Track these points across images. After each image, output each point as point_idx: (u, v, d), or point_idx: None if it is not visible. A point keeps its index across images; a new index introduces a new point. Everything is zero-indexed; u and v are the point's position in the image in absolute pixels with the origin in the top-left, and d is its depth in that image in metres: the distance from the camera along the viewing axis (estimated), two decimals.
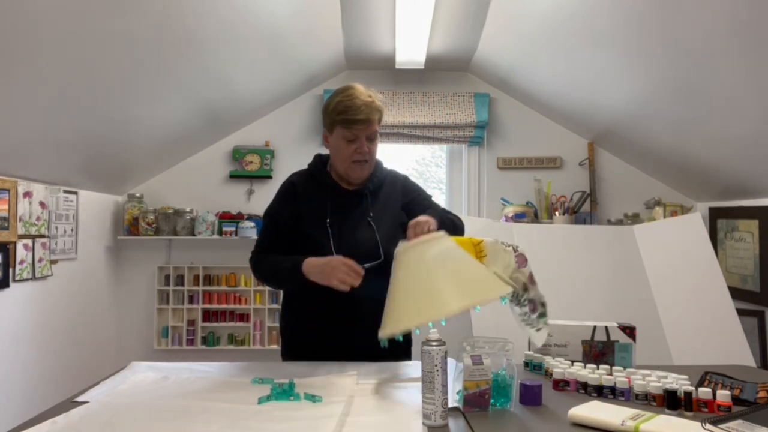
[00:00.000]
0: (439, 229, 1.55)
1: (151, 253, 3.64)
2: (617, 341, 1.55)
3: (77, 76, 2.14)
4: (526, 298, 1.49)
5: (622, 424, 1.06)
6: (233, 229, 3.52)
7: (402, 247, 1.46)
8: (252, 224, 3.51)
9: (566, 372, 1.38)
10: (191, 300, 3.61)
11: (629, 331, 1.56)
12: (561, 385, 1.37)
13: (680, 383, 1.27)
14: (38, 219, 2.74)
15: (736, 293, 2.89)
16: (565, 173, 3.76)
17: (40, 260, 2.75)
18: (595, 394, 1.31)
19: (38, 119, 2.24)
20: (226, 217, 3.59)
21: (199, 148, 3.68)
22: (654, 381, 1.29)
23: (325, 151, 1.79)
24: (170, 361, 1.92)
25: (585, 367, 1.42)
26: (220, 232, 3.54)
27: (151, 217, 3.50)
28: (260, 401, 1.24)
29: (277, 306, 3.58)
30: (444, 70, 3.74)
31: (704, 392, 1.19)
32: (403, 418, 1.15)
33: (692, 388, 1.21)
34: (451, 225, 1.68)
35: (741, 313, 2.48)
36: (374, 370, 1.50)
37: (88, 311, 3.25)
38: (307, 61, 3.35)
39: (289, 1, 2.55)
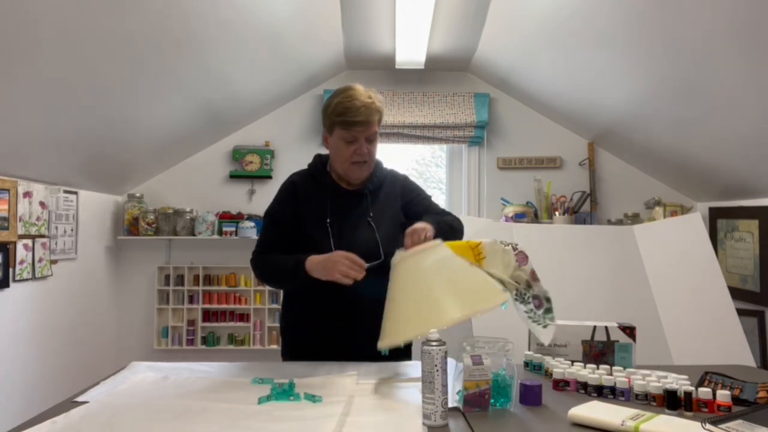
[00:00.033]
0: (437, 234, 1.55)
1: (151, 253, 3.64)
2: (617, 341, 1.55)
3: (77, 76, 2.14)
4: (531, 294, 1.48)
5: (622, 424, 1.06)
6: (233, 229, 3.52)
7: (398, 257, 1.47)
8: (252, 224, 3.51)
9: (566, 372, 1.38)
10: (191, 300, 3.61)
11: (629, 331, 1.56)
12: (561, 385, 1.37)
13: (680, 383, 1.27)
14: (38, 219, 2.74)
15: (736, 293, 2.88)
16: (565, 173, 3.76)
17: (40, 260, 2.75)
18: (595, 394, 1.31)
19: (38, 119, 2.24)
20: (226, 217, 3.59)
21: (199, 148, 3.68)
22: (654, 381, 1.29)
23: (325, 151, 1.79)
24: (170, 361, 1.92)
25: (585, 367, 1.42)
26: (220, 232, 3.54)
27: (151, 217, 3.50)
28: (260, 401, 1.24)
29: (277, 306, 3.58)
30: (444, 70, 3.74)
31: (704, 392, 1.19)
32: (403, 418, 1.15)
33: (692, 388, 1.21)
34: (449, 229, 1.69)
35: (741, 313, 2.48)
36: (374, 370, 1.50)
37: (88, 311, 3.25)
38: (307, 61, 3.35)
39: (289, 1, 2.55)
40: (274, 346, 3.58)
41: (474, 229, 2.67)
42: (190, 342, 3.58)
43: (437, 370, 1.12)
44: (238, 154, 3.66)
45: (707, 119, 2.64)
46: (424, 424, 1.11)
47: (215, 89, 3.01)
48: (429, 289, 1.35)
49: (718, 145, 2.80)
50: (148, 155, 3.34)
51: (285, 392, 1.28)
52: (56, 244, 2.91)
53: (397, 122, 3.61)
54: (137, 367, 1.54)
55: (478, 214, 3.73)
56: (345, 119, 1.62)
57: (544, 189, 3.70)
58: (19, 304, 2.63)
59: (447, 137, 3.69)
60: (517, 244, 1.51)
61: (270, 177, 3.68)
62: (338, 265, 1.51)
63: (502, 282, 1.44)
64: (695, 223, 2.57)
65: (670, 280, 2.53)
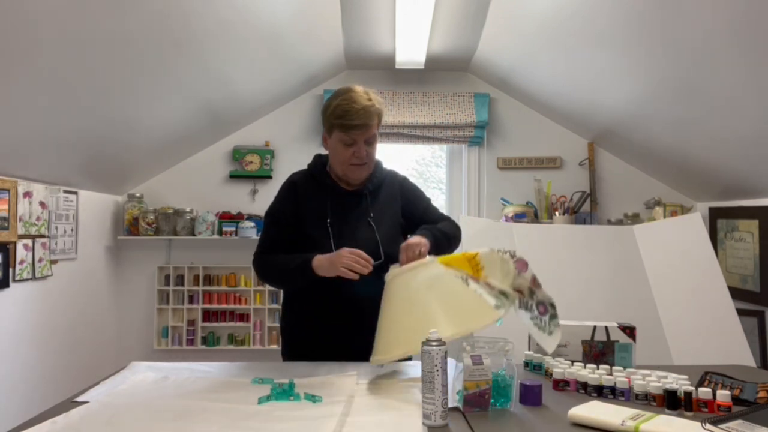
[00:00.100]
0: (432, 247, 1.56)
1: (151, 253, 3.64)
2: (617, 341, 1.55)
3: (77, 76, 2.14)
4: (535, 301, 1.44)
5: (622, 424, 1.06)
6: (233, 229, 3.52)
7: (391, 275, 1.47)
8: (252, 224, 3.51)
9: (566, 372, 1.38)
10: (191, 300, 3.61)
11: (629, 331, 1.56)
12: (561, 385, 1.37)
13: (680, 383, 1.27)
14: (38, 219, 2.74)
15: (736, 293, 2.88)
16: (565, 173, 3.76)
17: (40, 260, 2.75)
18: (595, 394, 1.31)
19: (38, 119, 2.24)
20: (226, 217, 3.59)
21: (199, 148, 3.68)
22: (654, 381, 1.29)
23: (324, 151, 1.79)
24: (170, 361, 1.92)
25: (585, 367, 1.42)
26: (220, 232, 3.54)
27: (151, 217, 3.50)
28: (260, 401, 1.24)
29: (277, 306, 3.58)
30: (444, 70, 3.74)
31: (704, 392, 1.19)
32: (403, 418, 1.15)
33: (692, 388, 1.21)
34: (446, 239, 1.70)
35: (741, 313, 2.48)
36: (374, 370, 1.50)
37: (88, 311, 3.25)
38: (307, 61, 3.35)
39: (289, 1, 2.55)
40: (274, 346, 3.58)
41: (474, 229, 2.67)
42: (190, 342, 3.58)
43: (437, 370, 1.11)
44: (238, 154, 3.66)
45: (707, 119, 2.64)
46: (424, 424, 1.11)
47: (215, 89, 3.01)
48: (421, 307, 1.35)
49: (718, 145, 2.80)
50: (148, 155, 3.34)
51: (285, 392, 1.28)
52: (56, 244, 2.91)
53: (397, 122, 3.61)
54: (137, 367, 1.54)
55: (478, 214, 3.73)
56: (343, 122, 1.62)
57: (544, 189, 3.70)
58: (19, 304, 2.63)
59: (447, 137, 3.69)
60: (514, 252, 1.48)
61: (270, 177, 3.67)
62: (343, 259, 1.51)
63: (503, 293, 1.39)
64: (695, 223, 2.57)
65: (670, 280, 2.53)
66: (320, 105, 3.56)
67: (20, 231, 2.60)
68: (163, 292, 3.61)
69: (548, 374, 1.46)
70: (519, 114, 3.79)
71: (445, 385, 1.12)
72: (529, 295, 1.42)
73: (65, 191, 2.98)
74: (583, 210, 3.66)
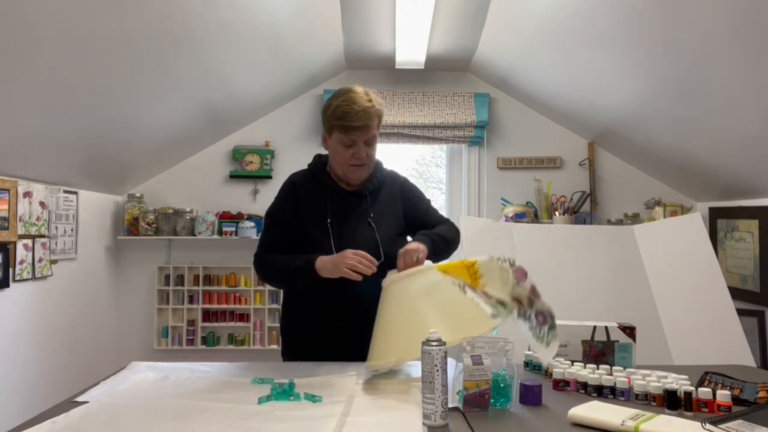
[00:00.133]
0: (431, 252, 1.57)
1: (151, 253, 3.64)
2: (617, 341, 1.55)
3: (77, 76, 2.14)
4: (533, 312, 1.41)
5: (622, 424, 1.06)
6: (233, 229, 3.52)
7: (388, 280, 1.47)
8: (252, 224, 3.51)
9: (566, 372, 1.38)
10: (191, 300, 3.61)
11: (629, 331, 1.56)
12: (561, 385, 1.37)
13: (680, 383, 1.27)
14: (38, 219, 2.74)
15: (736, 293, 2.88)
16: (565, 173, 3.76)
17: (40, 260, 2.75)
18: (595, 394, 1.31)
19: (38, 119, 2.24)
20: (226, 217, 3.59)
21: (199, 148, 3.68)
22: (654, 381, 1.29)
23: (324, 151, 1.79)
24: (170, 361, 1.92)
25: (585, 367, 1.42)
26: (220, 232, 3.55)
27: (151, 217, 3.50)
28: (260, 401, 1.24)
29: (277, 306, 3.58)
30: (444, 70, 3.74)
31: (704, 392, 1.19)
32: (403, 418, 1.15)
33: (692, 388, 1.21)
34: (444, 244, 1.70)
35: (741, 313, 2.48)
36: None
37: (88, 311, 3.25)
38: (307, 61, 3.35)
39: (289, 1, 2.55)
40: (274, 346, 3.58)
41: (474, 229, 2.67)
42: (190, 342, 3.58)
43: (437, 370, 1.11)
44: (238, 154, 3.66)
45: (707, 119, 2.64)
46: (424, 424, 1.11)
47: (215, 89, 3.01)
48: (417, 314, 1.35)
49: (718, 145, 2.80)
50: (148, 155, 3.34)
51: (285, 392, 1.28)
52: (56, 244, 2.91)
53: (397, 122, 3.61)
54: (137, 367, 1.54)
55: (478, 214, 3.73)
56: (343, 123, 1.62)
57: (544, 189, 3.70)
58: (19, 304, 2.63)
59: (447, 137, 3.69)
60: (514, 260, 1.46)
61: (270, 177, 3.68)
62: (347, 260, 1.51)
63: (501, 302, 1.38)
64: (695, 223, 2.57)
65: (670, 280, 2.53)
66: (320, 105, 3.56)
67: (20, 231, 2.60)
68: (163, 292, 3.61)
69: (548, 374, 1.46)
70: (519, 114, 3.79)
71: (445, 385, 1.12)
72: (528, 305, 1.41)
73: (65, 191, 2.98)
74: (583, 210, 3.66)
